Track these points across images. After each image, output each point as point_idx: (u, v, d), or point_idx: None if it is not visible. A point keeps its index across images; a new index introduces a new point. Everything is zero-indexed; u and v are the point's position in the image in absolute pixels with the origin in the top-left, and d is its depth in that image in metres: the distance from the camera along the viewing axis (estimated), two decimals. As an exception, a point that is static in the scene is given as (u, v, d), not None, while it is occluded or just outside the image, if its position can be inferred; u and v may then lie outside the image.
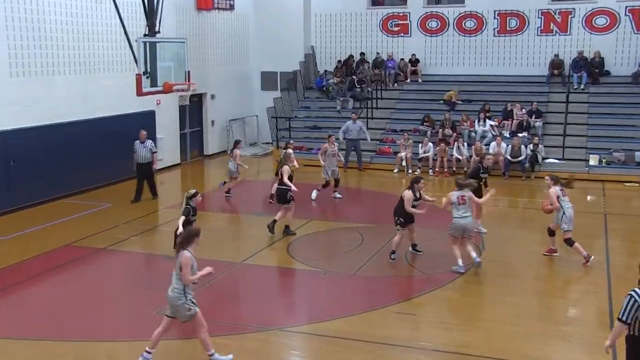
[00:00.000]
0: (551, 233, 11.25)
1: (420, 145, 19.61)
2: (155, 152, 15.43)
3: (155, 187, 15.52)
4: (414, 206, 10.90)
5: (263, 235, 12.56)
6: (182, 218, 10.14)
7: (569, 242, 10.90)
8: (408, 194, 10.87)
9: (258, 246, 11.95)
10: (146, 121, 18.94)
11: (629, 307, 5.76)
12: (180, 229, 9.74)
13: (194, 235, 7.24)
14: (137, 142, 15.21)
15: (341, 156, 16.84)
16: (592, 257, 10.99)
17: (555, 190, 10.91)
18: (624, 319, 5.80)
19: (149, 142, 15.29)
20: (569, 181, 11.31)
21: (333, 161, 15.73)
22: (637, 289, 5.80)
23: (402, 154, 19.57)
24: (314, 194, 15.45)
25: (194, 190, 10.43)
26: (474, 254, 10.58)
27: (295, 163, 14.21)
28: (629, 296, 5.80)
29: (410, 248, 11.53)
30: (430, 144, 19.52)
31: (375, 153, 20.68)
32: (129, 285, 10.11)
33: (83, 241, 12.37)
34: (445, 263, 10.84)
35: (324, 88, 23.73)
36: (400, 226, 11.09)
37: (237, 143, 16.09)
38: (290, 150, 13.48)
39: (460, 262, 10.58)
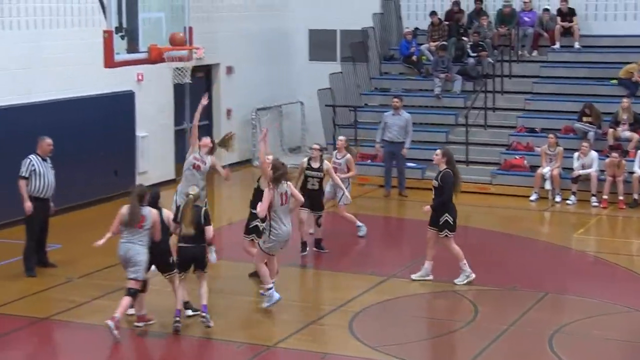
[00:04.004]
0: None
1: (576, 155, 19.30)
2: (21, 176, 13.95)
3: (44, 246, 14.53)
4: None
5: (313, 300, 12.79)
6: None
7: None
8: None
9: (304, 317, 12.29)
10: (119, 109, 18.96)
11: None
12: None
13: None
14: (34, 157, 14.09)
15: None
16: None
17: None
18: None
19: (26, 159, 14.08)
20: None
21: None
22: None
23: (545, 170, 19.24)
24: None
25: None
26: None
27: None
28: None
29: None
30: (594, 154, 19.16)
31: (498, 167, 20.45)
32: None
33: (12, 306, 12.70)
34: None
35: (414, 58, 23.55)
36: None
37: None
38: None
39: None
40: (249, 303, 13.03)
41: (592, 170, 18.96)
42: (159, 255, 11.82)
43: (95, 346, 11.53)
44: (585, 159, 19.11)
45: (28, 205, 13.98)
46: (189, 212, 11.59)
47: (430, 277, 13.76)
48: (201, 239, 11.60)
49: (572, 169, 19.28)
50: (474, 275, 13.65)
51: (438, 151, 13.94)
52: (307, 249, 15.19)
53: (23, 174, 14.01)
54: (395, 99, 19.84)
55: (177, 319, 11.59)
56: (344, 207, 16.09)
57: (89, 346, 11.57)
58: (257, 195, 12.92)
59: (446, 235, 13.54)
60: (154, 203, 11.85)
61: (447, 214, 13.44)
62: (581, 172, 19.02)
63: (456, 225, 13.65)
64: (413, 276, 13.79)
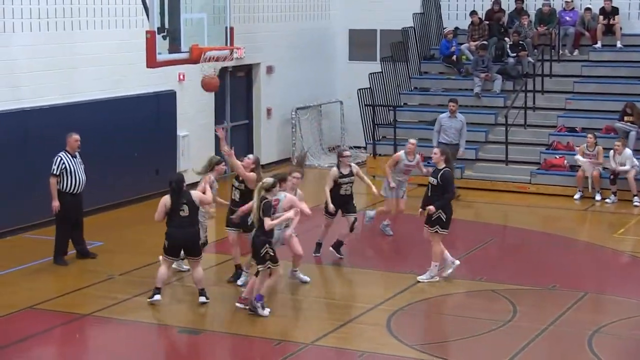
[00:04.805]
0: None
1: (611, 153, 19.21)
2: (52, 174, 14.21)
3: (82, 240, 14.86)
4: None
5: (351, 299, 12.86)
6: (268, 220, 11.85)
7: None
8: None
9: (341, 316, 12.32)
10: (162, 108, 19.08)
11: None
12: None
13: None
14: (64, 155, 14.34)
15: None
16: None
17: None
18: None
19: (57, 157, 14.37)
20: None
21: (402, 181, 16.08)
22: None
23: (586, 169, 19.09)
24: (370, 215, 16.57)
25: (271, 180, 12.08)
26: None
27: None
28: None
29: None
30: (628, 152, 19.09)
31: (538, 167, 20.40)
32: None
33: (54, 302, 12.83)
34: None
35: (454, 58, 23.55)
36: None
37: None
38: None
39: None
40: (287, 301, 13.09)
41: (628, 167, 18.79)
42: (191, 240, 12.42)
43: (135, 342, 11.68)
44: (620, 158, 18.93)
45: (56, 204, 14.26)
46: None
47: (437, 279, 13.63)
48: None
49: (612, 169, 19.15)
50: (437, 279, 13.55)
51: (436, 150, 13.94)
52: (340, 250, 14.99)
53: (54, 172, 14.28)
54: (452, 103, 19.58)
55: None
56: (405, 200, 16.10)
57: (129, 342, 11.70)
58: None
59: (437, 232, 13.46)
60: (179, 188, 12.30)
61: (441, 211, 13.40)
62: (620, 169, 18.86)
63: (449, 224, 13.55)
64: (419, 278, 13.66)
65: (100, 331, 12.02)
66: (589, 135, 19.43)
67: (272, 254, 11.90)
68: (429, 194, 13.54)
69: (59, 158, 14.26)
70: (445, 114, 19.59)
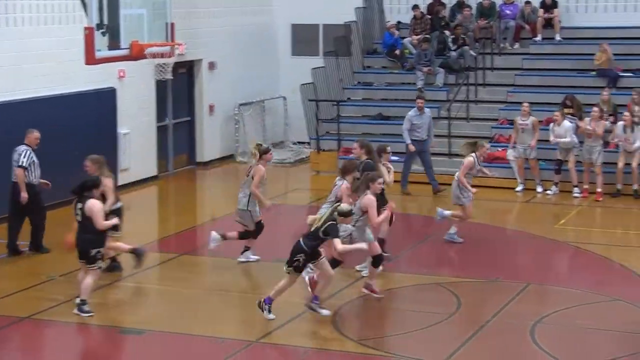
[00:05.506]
0: None
1: (550, 126, 19.31)
2: (22, 166, 14.51)
3: (40, 235, 15.07)
4: None
5: (297, 295, 12.78)
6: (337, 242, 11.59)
7: None
8: None
9: (287, 314, 12.19)
10: (101, 106, 18.88)
11: None
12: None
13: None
14: (29, 148, 14.68)
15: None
16: None
17: None
18: None
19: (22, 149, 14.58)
20: None
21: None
22: None
23: (515, 152, 19.31)
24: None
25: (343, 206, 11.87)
26: None
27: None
28: None
29: None
30: (568, 124, 19.05)
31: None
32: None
33: None
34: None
35: (397, 52, 23.58)
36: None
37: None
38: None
39: None
40: (233, 298, 13.04)
41: (568, 139, 18.83)
42: None
43: (77, 344, 11.59)
44: (558, 129, 18.99)
45: (24, 196, 14.39)
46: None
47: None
48: None
49: (552, 160, 19.34)
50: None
51: (355, 144, 13.93)
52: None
53: (23, 164, 14.44)
54: (420, 100, 19.66)
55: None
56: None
57: (70, 345, 11.59)
58: None
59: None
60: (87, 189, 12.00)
61: None
62: (559, 140, 18.83)
63: None
64: (358, 267, 13.69)
65: (40, 334, 11.87)
66: (524, 104, 19.52)
67: (302, 263, 11.63)
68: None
69: (27, 151, 14.44)
70: (413, 111, 19.60)
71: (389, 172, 14.15)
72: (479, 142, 15.54)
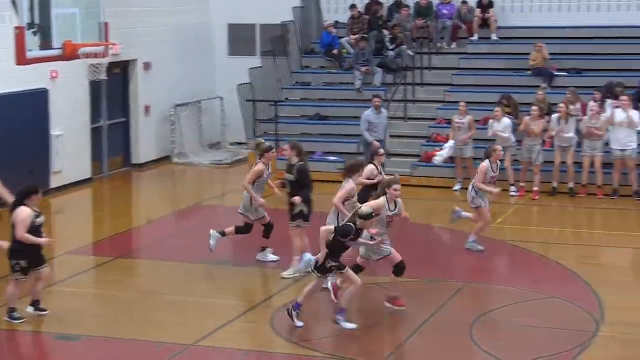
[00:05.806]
0: None
1: (490, 122, 19.53)
2: None
3: None
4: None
5: (234, 298, 12.84)
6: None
7: None
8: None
9: (226, 317, 12.18)
10: (33, 107, 18.65)
11: None
12: None
13: None
14: None
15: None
16: None
17: None
18: None
19: None
20: None
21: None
22: None
23: (448, 146, 19.49)
24: None
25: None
26: None
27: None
28: None
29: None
30: (507, 121, 19.26)
31: (418, 160, 20.59)
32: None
33: None
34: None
35: (334, 52, 23.59)
36: None
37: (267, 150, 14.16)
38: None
39: None
40: (171, 302, 12.91)
41: (507, 135, 18.98)
42: None
43: (10, 351, 11.39)
44: (498, 125, 19.12)
45: None
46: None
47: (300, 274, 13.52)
48: None
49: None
50: (300, 275, 13.49)
51: (287, 145, 13.95)
52: None
53: None
54: (377, 99, 19.73)
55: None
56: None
57: (3, 352, 11.38)
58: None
59: (298, 225, 13.48)
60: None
61: (303, 205, 13.44)
62: (498, 134, 18.86)
63: (310, 217, 13.55)
64: (283, 274, 13.60)
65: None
66: (461, 103, 19.72)
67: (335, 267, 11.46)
68: (288, 191, 13.57)
69: None
70: (369, 110, 19.64)
71: (380, 174, 14.16)
72: (491, 147, 15.53)
